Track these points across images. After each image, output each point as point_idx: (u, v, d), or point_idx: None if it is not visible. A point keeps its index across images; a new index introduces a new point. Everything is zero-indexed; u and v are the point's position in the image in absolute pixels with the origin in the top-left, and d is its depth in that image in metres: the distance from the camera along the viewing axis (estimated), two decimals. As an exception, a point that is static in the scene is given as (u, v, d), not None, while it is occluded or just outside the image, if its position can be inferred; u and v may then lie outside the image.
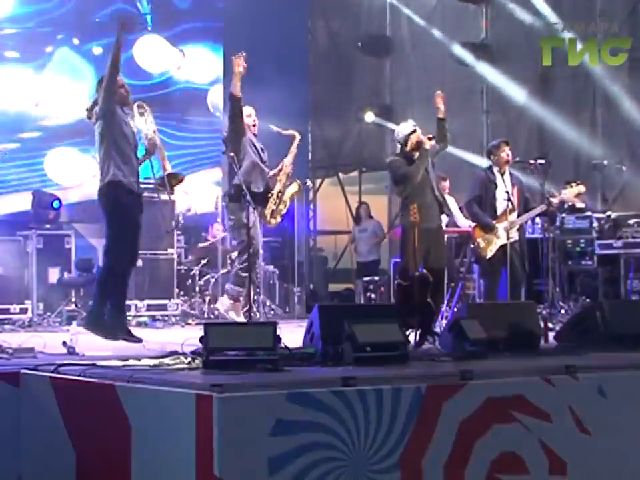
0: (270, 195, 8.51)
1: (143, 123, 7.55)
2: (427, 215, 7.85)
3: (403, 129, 8.49)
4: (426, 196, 8.14)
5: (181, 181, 7.92)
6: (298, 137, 9.08)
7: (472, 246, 9.54)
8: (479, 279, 9.83)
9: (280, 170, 8.77)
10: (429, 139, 8.32)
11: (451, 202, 10.80)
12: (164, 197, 10.20)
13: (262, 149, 8.61)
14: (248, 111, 8.59)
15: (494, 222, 8.93)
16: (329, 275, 16.88)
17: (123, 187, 7.15)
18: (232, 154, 7.82)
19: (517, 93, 14.42)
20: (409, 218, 7.47)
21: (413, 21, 15.86)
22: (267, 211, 8.49)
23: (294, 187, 8.83)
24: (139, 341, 7.24)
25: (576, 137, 13.80)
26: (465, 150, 14.47)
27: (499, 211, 8.95)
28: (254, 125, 8.64)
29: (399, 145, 8.49)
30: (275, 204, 8.55)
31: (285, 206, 8.68)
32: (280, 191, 8.62)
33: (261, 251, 8.67)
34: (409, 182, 8.20)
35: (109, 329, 7.21)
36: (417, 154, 8.24)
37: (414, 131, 8.35)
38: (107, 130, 7.26)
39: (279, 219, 8.64)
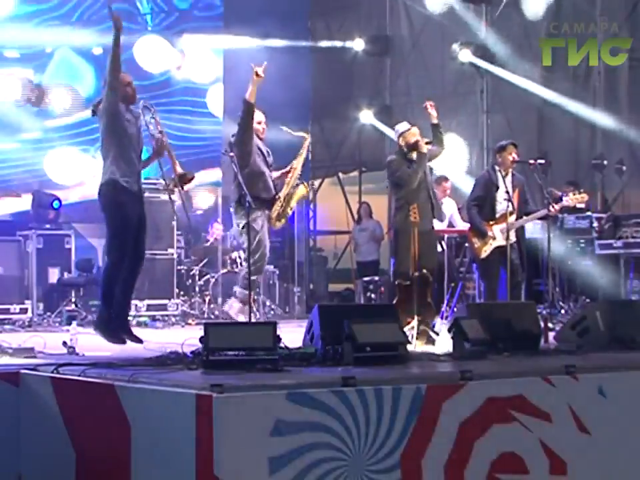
0: (277, 197, 8.45)
1: (149, 123, 7.49)
2: (421, 217, 7.81)
3: (399, 127, 8.50)
4: (421, 198, 8.11)
5: (191, 180, 7.86)
6: (308, 138, 9.00)
7: (466, 245, 9.56)
8: (479, 279, 9.83)
9: (288, 172, 8.66)
10: (426, 143, 8.30)
11: (452, 204, 10.81)
12: (164, 197, 10.21)
13: (268, 152, 8.54)
14: (258, 117, 8.48)
15: (492, 222, 8.93)
16: (329, 275, 16.88)
17: (120, 186, 7.10)
18: (232, 154, 7.81)
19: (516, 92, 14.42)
20: (405, 219, 7.48)
21: (413, 21, 15.86)
22: (273, 214, 8.43)
23: (302, 190, 8.69)
24: (140, 341, 7.24)
25: (576, 136, 13.80)
26: (466, 150, 14.50)
27: (498, 213, 8.94)
28: (263, 131, 8.55)
29: (398, 144, 8.48)
30: (281, 206, 8.47)
31: (291, 209, 8.62)
32: (287, 194, 8.55)
33: (268, 254, 8.61)
34: (406, 186, 8.20)
35: (115, 332, 7.18)
36: (414, 154, 8.22)
37: (408, 130, 8.36)
38: (109, 128, 7.23)
39: (283, 221, 8.57)
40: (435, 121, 8.60)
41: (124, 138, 7.16)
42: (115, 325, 7.19)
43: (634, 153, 13.60)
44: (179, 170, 7.66)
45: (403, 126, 8.49)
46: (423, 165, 8.22)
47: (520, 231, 9.12)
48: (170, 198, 8.17)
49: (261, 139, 8.47)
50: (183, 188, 7.64)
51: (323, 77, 16.60)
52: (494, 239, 8.86)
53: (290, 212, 8.56)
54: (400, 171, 8.25)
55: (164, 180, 7.91)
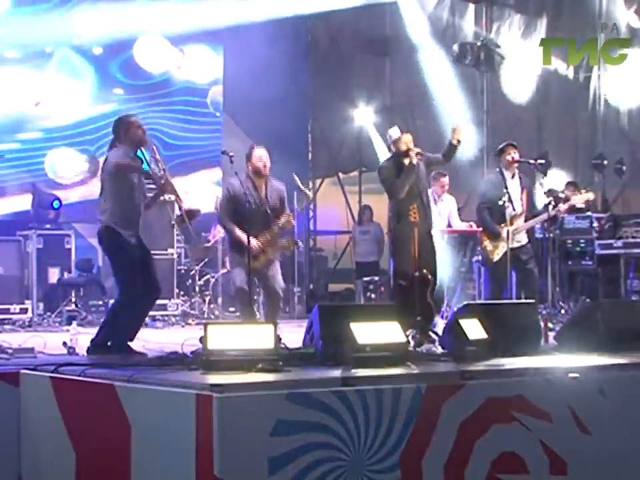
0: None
1: (151, 162, 7.36)
2: (420, 218, 7.73)
3: (391, 132, 8.31)
4: (414, 203, 7.97)
5: (197, 215, 7.74)
6: (310, 196, 8.70)
7: (479, 249, 9.51)
8: (485, 281, 9.82)
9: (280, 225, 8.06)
10: (417, 154, 8.06)
11: (451, 200, 10.78)
12: (164, 196, 10.19)
13: (258, 198, 7.95)
14: (259, 153, 7.98)
15: (503, 225, 8.88)
16: (329, 275, 16.87)
17: (118, 234, 6.96)
18: (232, 153, 7.79)
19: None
20: (404, 219, 7.45)
21: (413, 20, 15.85)
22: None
23: (284, 244, 8.25)
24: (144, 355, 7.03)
25: (576, 136, 13.80)
26: (465, 150, 14.45)
27: (508, 215, 8.88)
28: (265, 167, 7.97)
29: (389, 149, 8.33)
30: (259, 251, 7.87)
31: (269, 255, 7.96)
32: (269, 240, 7.95)
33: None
34: (393, 196, 8.05)
35: (114, 351, 6.99)
36: (406, 161, 8.02)
37: (398, 139, 8.14)
38: (112, 186, 7.05)
39: (262, 260, 7.92)
40: (455, 142, 8.14)
41: (125, 195, 6.96)
42: (116, 348, 6.96)
43: (634, 153, 13.60)
44: (185, 206, 7.58)
45: (394, 132, 8.26)
46: (411, 176, 7.99)
47: (530, 233, 9.12)
48: (170, 198, 8.08)
49: (263, 175, 7.95)
50: (190, 223, 7.53)
51: (323, 76, 16.58)
52: (505, 241, 8.83)
53: (268, 257, 7.94)
54: (388, 180, 8.09)
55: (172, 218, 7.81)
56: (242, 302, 7.98)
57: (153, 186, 7.40)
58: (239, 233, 7.81)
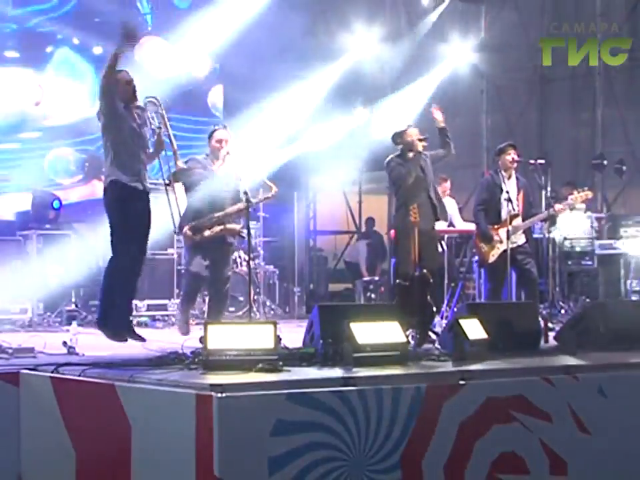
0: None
1: (152, 118, 7.44)
2: (421, 217, 7.73)
3: (397, 127, 8.43)
4: (420, 198, 8.04)
5: (191, 174, 7.78)
6: (274, 192, 8.38)
7: (474, 251, 9.52)
8: (485, 281, 9.82)
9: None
10: (421, 139, 8.21)
11: (451, 203, 10.79)
12: (164, 196, 10.19)
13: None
14: (219, 136, 8.05)
15: (497, 227, 8.90)
16: (329, 275, 16.87)
17: (121, 185, 7.11)
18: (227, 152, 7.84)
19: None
20: (405, 219, 7.46)
21: (413, 20, 15.86)
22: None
23: (233, 227, 8.02)
24: (143, 339, 7.22)
25: (576, 136, 13.82)
26: (465, 150, 14.46)
27: (504, 215, 8.90)
28: (221, 148, 8.01)
29: (397, 145, 8.42)
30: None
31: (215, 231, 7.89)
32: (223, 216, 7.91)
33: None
34: (401, 184, 8.16)
35: (115, 329, 7.17)
36: (411, 154, 8.17)
37: (404, 131, 8.30)
38: (108, 128, 7.23)
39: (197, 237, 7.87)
40: (441, 125, 8.48)
41: (125, 137, 7.15)
42: (116, 323, 7.18)
43: (634, 153, 13.62)
44: (180, 164, 7.64)
45: (398, 127, 8.42)
46: (417, 163, 8.15)
47: (528, 232, 9.12)
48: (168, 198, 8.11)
49: (220, 157, 7.97)
50: (177, 181, 7.61)
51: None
52: (501, 242, 8.82)
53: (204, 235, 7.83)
54: (396, 169, 8.23)
55: (163, 180, 7.85)
56: (195, 287, 8.05)
57: (153, 185, 7.45)
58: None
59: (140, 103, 7.44)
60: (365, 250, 15.18)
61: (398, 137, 8.30)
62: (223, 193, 7.96)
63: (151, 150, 7.48)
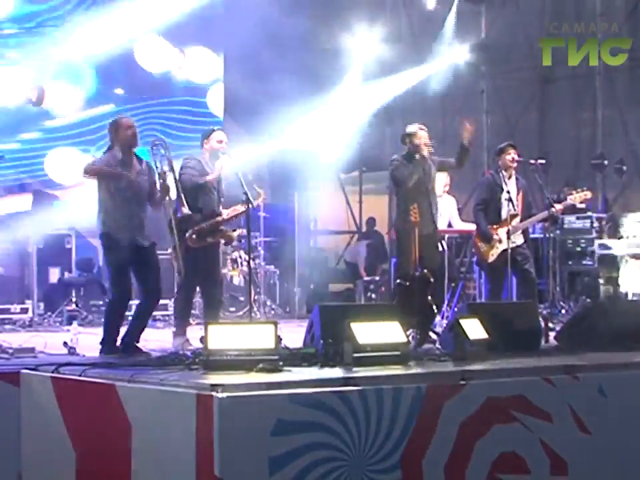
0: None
1: (158, 161, 7.31)
2: (421, 217, 7.72)
3: (408, 128, 8.36)
4: (420, 199, 8.02)
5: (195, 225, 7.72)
6: (262, 197, 8.25)
7: (473, 251, 9.51)
8: (485, 281, 9.82)
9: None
10: (427, 145, 8.15)
11: (451, 202, 10.77)
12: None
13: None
14: (219, 137, 7.96)
15: (497, 226, 8.90)
16: (329, 275, 16.86)
17: (113, 239, 6.96)
18: (232, 154, 7.81)
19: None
20: (406, 219, 7.45)
21: (413, 20, 15.87)
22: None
23: (230, 234, 8.03)
24: (148, 355, 7.03)
25: (576, 136, 13.82)
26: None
27: (504, 215, 8.89)
28: (223, 149, 7.94)
29: (404, 145, 8.37)
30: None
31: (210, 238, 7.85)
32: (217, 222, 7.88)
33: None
34: (402, 184, 8.14)
35: (123, 349, 7.00)
36: (417, 156, 8.13)
37: (414, 133, 8.25)
38: (98, 191, 7.06)
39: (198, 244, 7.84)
40: (466, 143, 8.22)
41: (121, 189, 6.98)
42: (123, 347, 6.99)
43: (634, 152, 13.62)
44: (185, 211, 7.53)
45: (408, 129, 8.34)
46: (420, 166, 8.09)
47: (526, 233, 9.12)
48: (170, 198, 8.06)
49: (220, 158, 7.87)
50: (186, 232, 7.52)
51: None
52: (500, 242, 8.82)
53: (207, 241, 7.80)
54: (399, 169, 8.19)
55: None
56: (192, 291, 8.12)
57: None
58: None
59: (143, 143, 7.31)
60: (365, 251, 15.20)
61: (407, 138, 8.22)
62: (217, 196, 7.91)
63: (154, 197, 7.31)
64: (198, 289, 8.28)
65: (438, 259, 7.87)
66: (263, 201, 8.47)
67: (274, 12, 13.30)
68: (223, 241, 8.07)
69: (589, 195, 9.43)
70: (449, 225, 10.64)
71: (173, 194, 7.44)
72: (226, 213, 7.90)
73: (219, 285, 7.99)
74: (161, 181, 7.14)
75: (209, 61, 15.16)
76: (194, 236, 7.75)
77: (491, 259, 8.94)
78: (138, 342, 6.90)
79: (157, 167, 7.22)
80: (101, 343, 6.77)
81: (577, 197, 9.29)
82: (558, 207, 9.18)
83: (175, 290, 8.13)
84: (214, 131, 8.03)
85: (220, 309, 8.17)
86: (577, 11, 14.14)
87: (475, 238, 9.18)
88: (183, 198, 7.50)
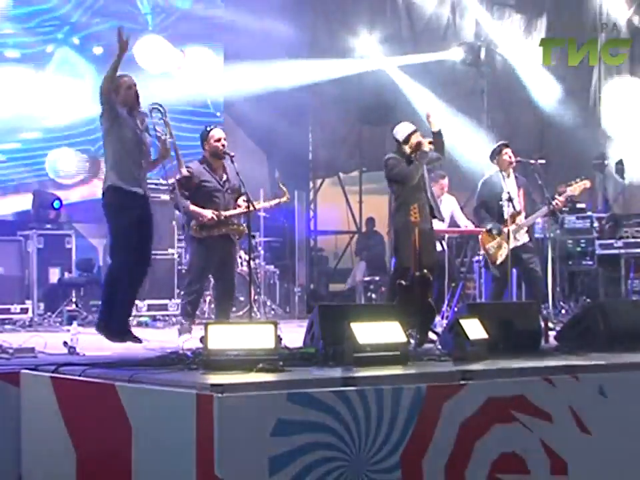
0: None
1: (156, 125, 7.40)
2: (420, 216, 7.72)
3: (403, 128, 8.31)
4: (420, 198, 8.01)
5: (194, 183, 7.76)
6: (285, 198, 8.46)
7: (481, 252, 9.48)
8: (486, 281, 9.82)
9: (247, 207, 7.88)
10: (429, 142, 8.15)
11: (452, 201, 10.78)
12: (164, 196, 10.20)
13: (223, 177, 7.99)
14: (218, 135, 7.92)
15: (502, 226, 8.89)
16: (329, 275, 16.88)
17: (120, 190, 7.06)
18: (232, 154, 7.80)
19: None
20: (405, 218, 7.44)
21: (413, 20, 15.86)
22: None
23: (238, 229, 8.01)
24: (139, 341, 7.25)
25: (576, 136, 13.82)
26: (466, 150, 14.49)
27: (506, 215, 8.88)
28: (223, 148, 7.90)
29: (397, 144, 8.32)
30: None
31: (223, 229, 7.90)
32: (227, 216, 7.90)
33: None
34: (406, 182, 8.06)
35: (115, 331, 7.17)
36: (416, 154, 8.11)
37: (415, 131, 8.22)
38: (109, 133, 7.22)
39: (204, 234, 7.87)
40: (436, 129, 8.31)
41: (125, 142, 7.12)
42: (114, 326, 7.19)
43: (634, 152, 13.63)
44: (183, 172, 7.62)
45: (406, 128, 8.33)
46: (423, 163, 8.11)
47: (530, 231, 9.13)
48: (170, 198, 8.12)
49: (221, 157, 7.90)
50: (185, 190, 7.58)
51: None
52: (507, 241, 8.81)
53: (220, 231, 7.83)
54: (399, 167, 8.13)
55: (165, 180, 7.86)
56: (201, 285, 8.06)
57: (154, 185, 7.44)
58: (193, 207, 7.78)
59: (144, 109, 7.42)
60: (364, 267, 15.03)
61: (410, 137, 8.17)
62: (223, 194, 7.95)
63: (153, 158, 7.46)
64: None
65: (435, 255, 7.89)
66: (287, 200, 8.51)
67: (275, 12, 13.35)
68: (237, 236, 8.07)
69: (587, 184, 9.39)
70: (453, 224, 10.64)
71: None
72: (229, 212, 7.91)
73: (231, 280, 7.98)
74: (159, 144, 7.23)
75: (209, 60, 15.16)
76: (195, 227, 7.78)
77: (500, 259, 8.92)
78: (128, 323, 7.01)
79: (156, 130, 7.30)
80: (98, 321, 6.88)
81: (576, 187, 9.28)
82: (559, 198, 9.16)
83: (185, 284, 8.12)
84: (210, 130, 8.02)
85: (230, 307, 8.16)
86: (577, 11, 14.14)
87: (482, 239, 9.14)
88: (182, 160, 7.54)
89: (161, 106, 7.53)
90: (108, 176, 7.18)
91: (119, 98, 7.15)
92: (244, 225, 8.09)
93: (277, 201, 8.56)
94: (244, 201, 7.87)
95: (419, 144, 8.08)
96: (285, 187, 8.49)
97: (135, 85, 7.27)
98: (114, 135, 7.15)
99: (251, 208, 7.73)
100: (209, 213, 7.74)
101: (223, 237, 7.88)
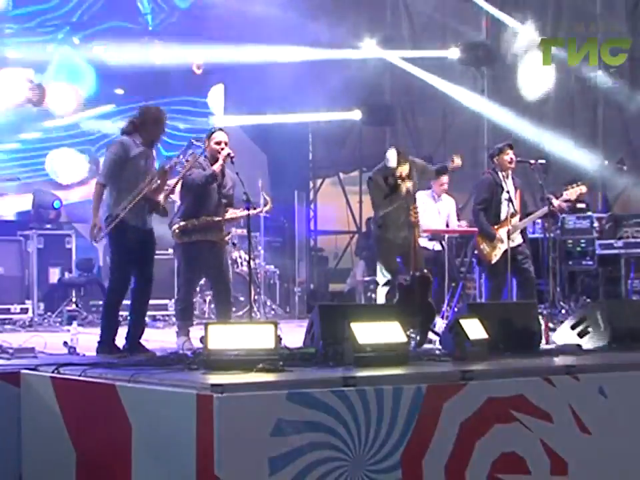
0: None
1: (183, 162, 7.32)
2: (399, 224, 8.20)
3: (390, 156, 8.44)
4: (398, 219, 8.27)
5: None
6: (269, 207, 8.66)
7: (476, 252, 9.50)
8: (486, 281, 9.82)
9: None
10: (405, 178, 8.33)
11: (450, 202, 10.76)
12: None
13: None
14: (219, 137, 7.82)
15: (497, 226, 8.91)
16: (329, 275, 16.88)
17: (119, 221, 6.88)
18: (232, 154, 7.78)
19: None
20: (379, 226, 8.16)
21: (413, 20, 15.86)
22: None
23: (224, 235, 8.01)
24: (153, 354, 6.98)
25: (576, 137, 13.81)
26: (466, 150, 14.49)
27: (503, 215, 8.90)
28: (222, 150, 7.78)
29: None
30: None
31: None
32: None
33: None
34: (375, 209, 8.50)
35: (119, 351, 6.93)
36: (399, 190, 8.37)
37: (396, 168, 8.37)
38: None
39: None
40: (449, 169, 8.89)
41: (133, 181, 6.93)
42: (126, 344, 6.93)
43: (634, 152, 13.61)
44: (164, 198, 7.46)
45: (392, 158, 8.38)
46: (400, 201, 8.29)
47: (524, 233, 9.14)
48: (171, 198, 8.07)
49: (216, 160, 7.74)
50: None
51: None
52: (502, 242, 8.83)
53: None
54: (374, 196, 8.51)
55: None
56: (191, 292, 8.16)
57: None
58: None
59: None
60: (363, 266, 14.99)
61: (387, 171, 8.43)
62: (218, 196, 7.87)
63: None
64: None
65: (421, 260, 8.10)
66: (270, 210, 8.63)
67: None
68: (229, 241, 8.08)
69: (584, 189, 9.39)
70: (447, 225, 10.63)
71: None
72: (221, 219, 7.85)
73: (226, 284, 7.94)
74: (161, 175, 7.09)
75: (209, 61, 15.16)
76: (177, 231, 7.77)
77: (494, 259, 8.95)
78: (140, 338, 6.87)
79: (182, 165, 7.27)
80: (99, 342, 6.72)
81: (572, 192, 9.27)
82: (556, 202, 9.17)
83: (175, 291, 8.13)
84: (214, 132, 7.98)
85: (229, 308, 8.13)
86: (576, 11, 14.13)
87: (477, 239, 9.17)
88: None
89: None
90: (110, 206, 7.00)
91: (145, 131, 6.98)
92: (229, 235, 8.15)
93: (258, 210, 8.53)
94: (242, 207, 7.84)
95: (395, 182, 8.28)
96: (268, 196, 8.56)
97: (165, 117, 7.20)
98: (124, 175, 6.98)
99: (240, 214, 7.82)
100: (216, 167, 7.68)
101: (208, 243, 7.79)
